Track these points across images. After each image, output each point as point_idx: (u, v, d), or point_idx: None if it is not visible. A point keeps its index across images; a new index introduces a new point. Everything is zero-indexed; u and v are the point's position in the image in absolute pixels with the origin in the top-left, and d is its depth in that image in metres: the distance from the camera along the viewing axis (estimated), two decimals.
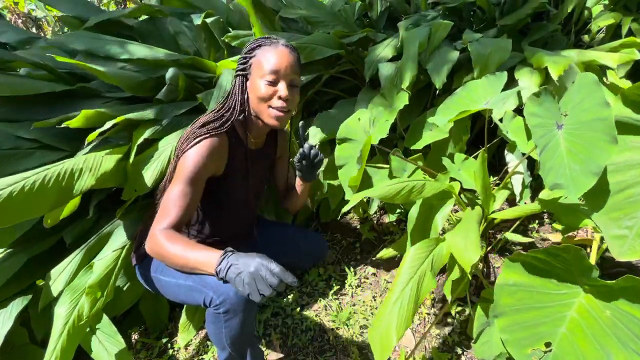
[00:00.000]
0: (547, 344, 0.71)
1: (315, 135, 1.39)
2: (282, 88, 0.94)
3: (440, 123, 1.08)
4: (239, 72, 0.98)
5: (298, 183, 1.22)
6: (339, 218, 1.45)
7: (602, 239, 1.18)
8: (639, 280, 0.64)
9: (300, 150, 1.10)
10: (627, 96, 0.77)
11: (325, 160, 1.47)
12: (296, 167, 1.15)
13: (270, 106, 0.95)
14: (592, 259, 0.85)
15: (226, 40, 1.40)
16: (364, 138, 1.24)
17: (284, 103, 0.94)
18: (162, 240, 0.84)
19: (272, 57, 0.93)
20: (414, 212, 1.10)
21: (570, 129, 0.81)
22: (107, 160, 1.04)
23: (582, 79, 0.82)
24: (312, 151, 1.11)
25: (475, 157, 1.25)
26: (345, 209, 0.95)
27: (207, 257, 0.78)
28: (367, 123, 1.25)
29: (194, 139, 0.91)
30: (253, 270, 0.70)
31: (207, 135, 0.91)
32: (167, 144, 1.12)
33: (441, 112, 1.20)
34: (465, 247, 0.84)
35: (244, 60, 0.97)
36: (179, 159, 0.92)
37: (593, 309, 0.69)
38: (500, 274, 0.79)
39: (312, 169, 1.15)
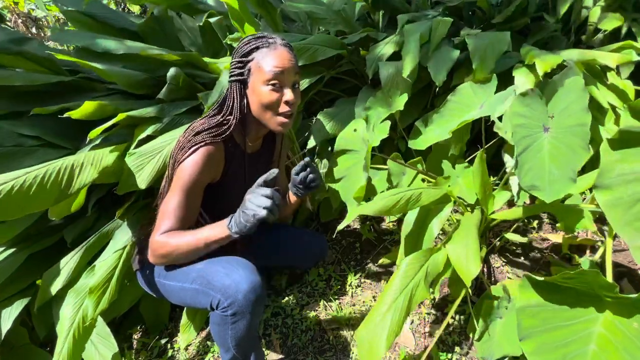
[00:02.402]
0: None
1: (316, 134, 1.39)
2: (288, 93, 0.91)
3: (440, 135, 1.06)
4: (235, 78, 0.93)
5: (290, 194, 1.15)
6: (334, 236, 1.45)
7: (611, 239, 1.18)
8: None
9: (299, 174, 1.06)
10: (635, 109, 0.77)
11: (325, 162, 1.47)
12: (291, 181, 1.10)
13: (276, 112, 0.92)
14: (609, 272, 0.83)
15: (228, 41, 1.40)
16: (363, 148, 1.23)
17: (290, 108, 0.92)
18: (164, 239, 0.86)
19: (273, 60, 0.89)
20: (410, 217, 1.09)
21: (556, 133, 0.82)
22: (107, 156, 1.04)
23: (572, 83, 0.83)
24: (310, 176, 1.06)
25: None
26: (341, 226, 0.93)
27: (216, 229, 0.85)
28: (364, 132, 1.24)
29: (190, 147, 0.89)
30: (246, 198, 0.83)
31: (203, 144, 0.89)
32: (166, 141, 1.11)
33: (437, 122, 1.18)
34: (466, 259, 0.84)
35: (241, 65, 0.92)
36: (175, 169, 0.90)
37: (620, 322, 0.67)
38: (519, 297, 0.76)
39: (306, 189, 1.09)
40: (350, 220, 0.92)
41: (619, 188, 0.73)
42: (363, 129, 1.24)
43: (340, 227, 0.93)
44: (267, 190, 0.81)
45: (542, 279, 0.74)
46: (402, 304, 0.84)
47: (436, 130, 1.11)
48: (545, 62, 1.18)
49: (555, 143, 0.80)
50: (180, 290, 0.93)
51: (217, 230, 0.85)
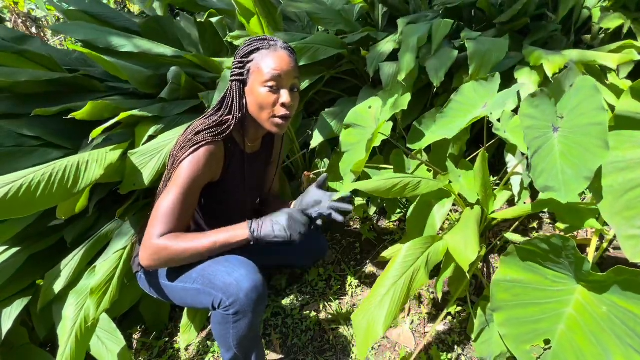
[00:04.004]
0: (546, 341, 0.72)
1: (318, 136, 1.39)
2: (284, 95, 0.91)
3: (449, 135, 1.05)
4: (235, 77, 0.94)
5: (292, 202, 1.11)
6: (334, 235, 1.45)
7: (600, 237, 1.19)
8: (630, 272, 0.64)
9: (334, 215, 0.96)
10: (637, 90, 0.76)
11: (326, 161, 1.47)
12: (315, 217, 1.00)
13: (272, 114, 0.92)
14: (590, 258, 0.85)
15: (229, 39, 1.40)
16: (372, 125, 1.23)
17: (286, 111, 0.92)
18: (167, 243, 0.84)
19: (271, 62, 0.89)
20: (411, 210, 1.10)
21: (566, 133, 0.81)
22: (111, 153, 1.05)
23: (581, 83, 0.82)
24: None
25: (476, 158, 1.25)
26: (336, 197, 0.94)
27: (235, 230, 0.87)
28: (378, 111, 1.24)
29: (190, 147, 0.89)
30: (286, 217, 0.87)
31: (203, 143, 0.89)
32: (166, 140, 1.11)
33: (441, 123, 1.17)
34: (464, 246, 0.85)
35: (241, 65, 0.93)
36: (175, 167, 0.90)
37: (589, 305, 0.70)
38: (498, 271, 0.80)
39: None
40: (344, 191, 0.92)
41: (611, 176, 0.73)
42: (377, 108, 1.23)
43: (335, 197, 0.94)
44: (307, 220, 0.89)
45: (519, 245, 0.77)
46: (402, 287, 0.85)
47: (441, 131, 1.11)
48: (553, 63, 1.18)
49: (566, 143, 0.79)
50: (182, 291, 0.92)
51: (236, 233, 0.87)
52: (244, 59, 0.93)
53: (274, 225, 0.85)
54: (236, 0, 1.17)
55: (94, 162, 0.99)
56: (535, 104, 0.89)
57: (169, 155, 0.97)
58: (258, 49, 0.92)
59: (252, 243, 0.87)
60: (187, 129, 0.96)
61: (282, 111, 0.92)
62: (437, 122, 1.17)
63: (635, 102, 0.75)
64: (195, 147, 0.89)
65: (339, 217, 0.95)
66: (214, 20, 1.55)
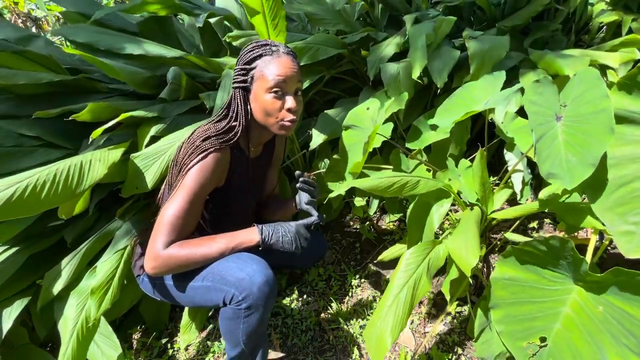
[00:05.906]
0: (542, 339, 0.72)
1: (317, 136, 1.39)
2: (290, 100, 0.92)
3: (443, 126, 1.07)
4: (238, 84, 0.94)
5: (290, 205, 1.16)
6: (324, 202, 1.43)
7: (600, 237, 1.18)
8: (627, 273, 0.64)
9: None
10: (624, 84, 0.77)
11: (327, 161, 1.47)
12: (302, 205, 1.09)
13: (278, 119, 0.93)
14: (588, 258, 0.85)
15: (227, 40, 1.40)
16: (370, 127, 1.23)
17: (293, 115, 0.93)
18: (173, 252, 0.85)
19: (275, 68, 0.90)
20: (410, 210, 1.10)
21: (570, 122, 0.81)
22: (114, 153, 1.05)
23: (584, 73, 0.83)
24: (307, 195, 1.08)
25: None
26: (332, 195, 0.96)
27: (246, 235, 0.90)
28: (375, 113, 1.24)
29: (199, 154, 0.89)
30: (294, 230, 0.92)
31: (211, 150, 0.89)
32: (169, 143, 1.11)
33: (441, 114, 1.20)
34: (465, 250, 0.85)
35: (244, 72, 0.93)
36: (184, 174, 0.89)
37: (586, 305, 0.70)
38: (496, 268, 0.81)
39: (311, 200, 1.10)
40: (341, 190, 0.93)
41: (602, 172, 0.73)
42: (375, 109, 1.24)
43: (331, 195, 0.96)
44: (309, 236, 0.94)
45: (517, 247, 0.78)
46: (405, 298, 0.85)
47: (440, 122, 1.12)
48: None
49: (569, 131, 0.79)
50: (190, 290, 0.92)
51: (247, 238, 0.89)
52: (246, 66, 0.93)
53: (283, 237, 0.89)
54: (244, 2, 1.15)
55: (97, 161, 0.99)
56: (539, 90, 0.89)
57: (173, 160, 0.96)
58: (260, 56, 0.92)
59: (260, 249, 0.89)
60: (192, 134, 0.95)
61: (288, 116, 0.93)
62: (438, 114, 1.17)
63: (623, 97, 0.76)
64: (204, 154, 0.89)
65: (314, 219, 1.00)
66: (212, 20, 1.55)
